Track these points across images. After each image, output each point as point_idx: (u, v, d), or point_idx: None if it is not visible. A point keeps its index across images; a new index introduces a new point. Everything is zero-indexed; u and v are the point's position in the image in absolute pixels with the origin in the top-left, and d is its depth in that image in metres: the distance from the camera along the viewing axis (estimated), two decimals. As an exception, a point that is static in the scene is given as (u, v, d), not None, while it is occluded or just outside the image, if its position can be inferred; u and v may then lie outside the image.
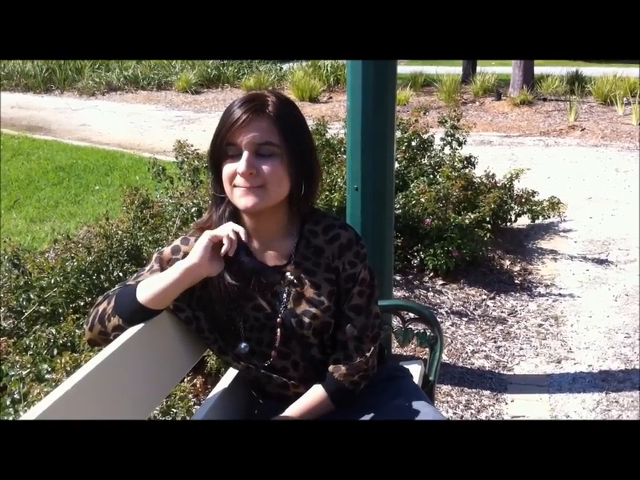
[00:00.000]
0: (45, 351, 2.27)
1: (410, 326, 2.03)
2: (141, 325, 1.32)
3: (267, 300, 1.43)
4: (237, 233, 1.32)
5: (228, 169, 1.34)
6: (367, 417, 1.45)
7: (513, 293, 3.87)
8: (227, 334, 1.45)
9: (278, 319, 1.42)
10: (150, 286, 1.32)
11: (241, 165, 1.31)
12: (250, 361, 1.45)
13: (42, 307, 2.63)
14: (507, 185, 4.57)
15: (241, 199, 1.34)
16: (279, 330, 1.42)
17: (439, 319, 2.90)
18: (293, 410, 1.44)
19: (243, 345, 1.43)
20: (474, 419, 2.66)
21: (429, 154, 4.66)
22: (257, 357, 1.45)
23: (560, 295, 3.85)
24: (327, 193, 3.79)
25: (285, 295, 1.42)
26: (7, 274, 2.79)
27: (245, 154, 1.31)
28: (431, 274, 3.92)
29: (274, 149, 1.32)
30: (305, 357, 1.46)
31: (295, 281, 1.41)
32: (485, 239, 4.04)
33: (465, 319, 3.51)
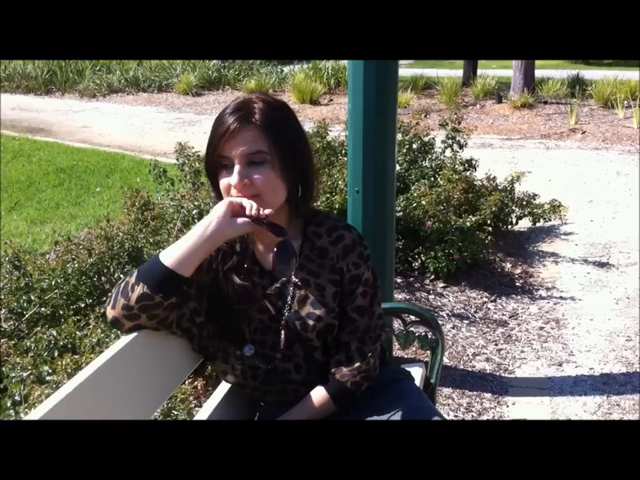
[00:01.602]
0: (46, 353, 2.26)
1: (411, 329, 2.03)
2: (140, 331, 1.31)
3: (272, 302, 1.43)
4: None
5: (224, 181, 1.35)
6: (368, 419, 1.44)
7: (514, 295, 3.86)
8: (232, 336, 1.45)
9: (282, 321, 1.42)
10: (173, 249, 1.30)
11: (233, 178, 1.32)
12: (253, 363, 1.45)
13: (43, 309, 2.62)
14: (508, 188, 4.57)
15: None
16: (283, 332, 1.42)
17: (440, 322, 2.89)
18: (295, 412, 1.45)
19: (248, 347, 1.44)
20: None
21: (429, 156, 4.66)
22: (261, 360, 1.45)
23: (561, 297, 3.84)
24: (328, 195, 3.79)
25: (289, 297, 1.42)
26: (7, 275, 2.79)
27: (237, 167, 1.32)
28: (432, 276, 3.92)
29: (264, 157, 1.33)
30: (308, 359, 1.46)
31: (300, 282, 1.41)
32: (486, 241, 4.04)
33: (466, 322, 3.51)
